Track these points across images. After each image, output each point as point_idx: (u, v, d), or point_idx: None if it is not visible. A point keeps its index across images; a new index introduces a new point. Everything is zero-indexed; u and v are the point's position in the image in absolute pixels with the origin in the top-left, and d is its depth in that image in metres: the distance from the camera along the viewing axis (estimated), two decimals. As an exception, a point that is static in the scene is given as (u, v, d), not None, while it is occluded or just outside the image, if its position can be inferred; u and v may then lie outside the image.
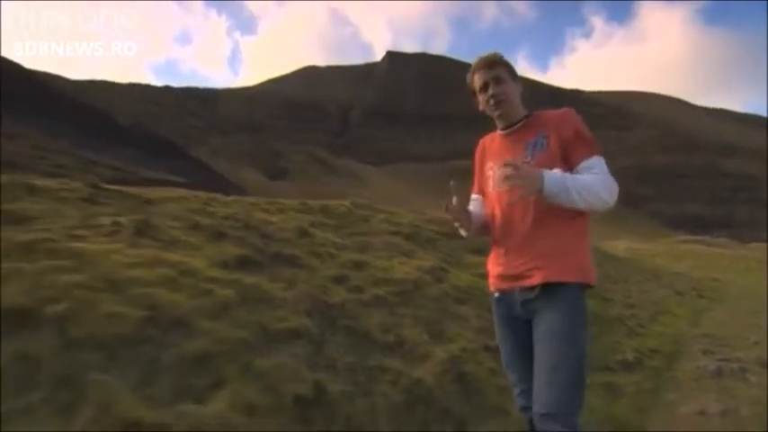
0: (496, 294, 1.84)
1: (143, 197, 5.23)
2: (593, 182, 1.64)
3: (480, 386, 3.33)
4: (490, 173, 1.88)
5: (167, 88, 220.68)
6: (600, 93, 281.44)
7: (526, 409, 1.75)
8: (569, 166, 1.70)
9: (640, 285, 9.64)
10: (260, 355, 2.63)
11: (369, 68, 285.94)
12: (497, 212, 1.82)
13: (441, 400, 2.93)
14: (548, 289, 1.67)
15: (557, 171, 1.62)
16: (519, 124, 1.81)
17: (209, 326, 2.64)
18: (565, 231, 1.71)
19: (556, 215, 1.69)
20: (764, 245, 39.03)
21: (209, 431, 1.92)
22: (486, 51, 1.86)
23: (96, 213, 4.00)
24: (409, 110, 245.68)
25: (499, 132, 1.88)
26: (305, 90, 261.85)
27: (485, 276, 1.95)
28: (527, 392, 1.72)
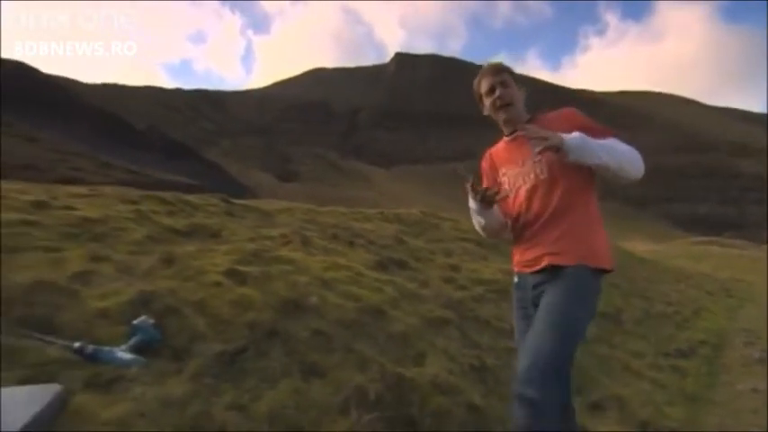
0: (516, 279, 1.94)
1: (261, 209, 6.12)
2: (615, 143, 1.73)
3: (582, 363, 4.18)
4: (504, 178, 1.93)
5: (178, 91, 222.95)
6: (609, 93, 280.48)
7: None
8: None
9: (673, 286, 10.41)
10: (432, 335, 3.49)
11: (378, 70, 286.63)
12: (516, 210, 1.88)
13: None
14: (554, 271, 1.73)
15: (579, 135, 1.68)
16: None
17: (395, 314, 3.51)
18: (579, 220, 1.77)
19: (572, 206, 1.77)
20: (779, 246, 39.41)
21: (441, 384, 2.78)
22: (494, 59, 2.11)
23: (252, 225, 4.89)
24: (418, 111, 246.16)
25: (505, 139, 1.94)
26: (313, 92, 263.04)
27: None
28: None
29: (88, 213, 3.79)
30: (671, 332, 6.36)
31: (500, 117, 1.87)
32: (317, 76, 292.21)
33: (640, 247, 30.36)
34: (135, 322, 2.28)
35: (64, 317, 2.21)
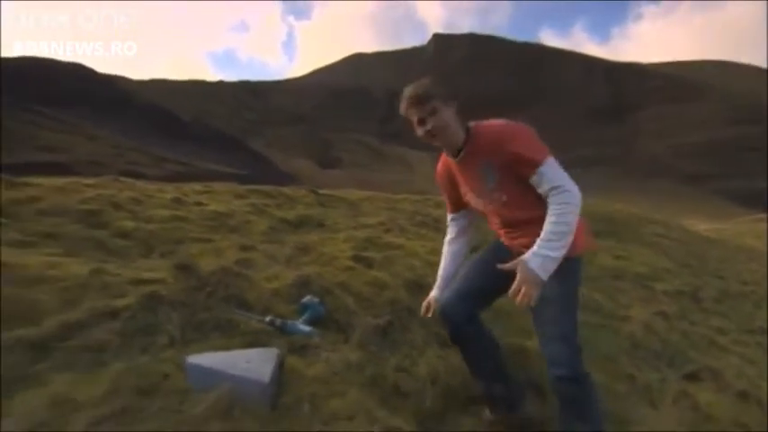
0: (503, 240, 2.15)
1: (347, 199, 6.55)
2: (564, 229, 1.76)
3: (669, 338, 4.39)
4: (468, 197, 2.09)
5: (221, 83, 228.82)
6: (661, 64, 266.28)
7: (447, 300, 2.18)
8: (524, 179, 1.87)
9: (745, 265, 10.23)
10: (525, 314, 3.80)
11: (416, 52, 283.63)
12: (486, 216, 2.11)
13: (652, 343, 4.02)
14: None
15: (539, 257, 1.73)
16: (462, 152, 1.95)
17: (498, 294, 3.84)
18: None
19: (537, 209, 1.88)
20: None
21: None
22: (415, 83, 1.95)
23: (347, 215, 5.32)
24: (457, 93, 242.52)
25: (451, 160, 2.03)
26: (353, 78, 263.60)
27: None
28: (460, 295, 2.16)
29: (217, 208, 4.30)
30: (750, 311, 6.40)
31: (436, 144, 1.94)
32: (354, 62, 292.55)
33: (701, 225, 29.30)
34: (304, 300, 2.71)
35: (249, 296, 2.67)
